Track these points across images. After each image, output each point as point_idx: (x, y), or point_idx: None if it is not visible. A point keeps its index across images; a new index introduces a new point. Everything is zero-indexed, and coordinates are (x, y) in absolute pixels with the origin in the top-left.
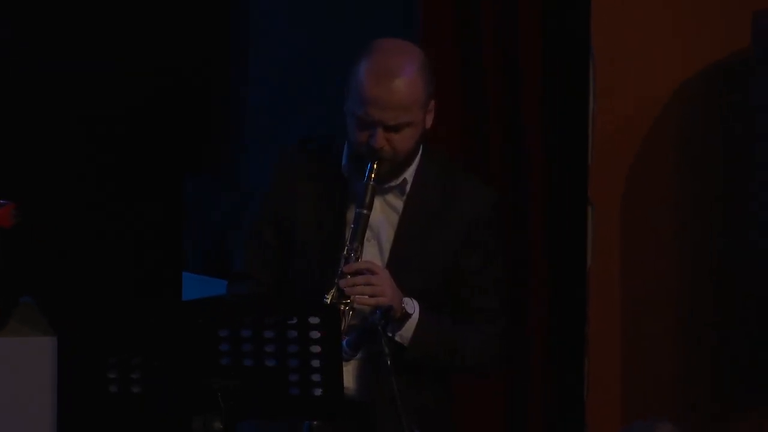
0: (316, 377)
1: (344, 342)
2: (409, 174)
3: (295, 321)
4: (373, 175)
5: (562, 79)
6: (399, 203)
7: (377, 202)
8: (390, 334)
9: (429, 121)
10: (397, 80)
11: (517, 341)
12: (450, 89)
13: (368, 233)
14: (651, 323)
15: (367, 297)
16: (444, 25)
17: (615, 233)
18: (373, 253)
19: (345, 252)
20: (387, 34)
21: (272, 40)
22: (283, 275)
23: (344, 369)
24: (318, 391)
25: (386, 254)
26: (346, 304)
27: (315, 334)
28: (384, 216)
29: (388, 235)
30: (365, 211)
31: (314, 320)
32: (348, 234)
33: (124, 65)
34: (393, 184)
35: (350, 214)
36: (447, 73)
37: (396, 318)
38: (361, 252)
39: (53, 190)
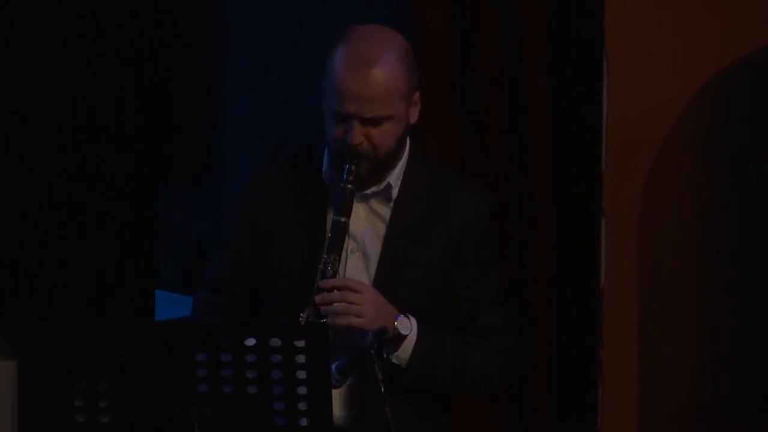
0: (302, 405)
1: (333, 367)
2: (393, 178)
3: (279, 344)
4: (351, 177)
5: (573, 78)
6: (385, 211)
7: (362, 211)
8: (386, 356)
9: (414, 115)
10: (374, 69)
11: (524, 367)
12: (446, 90)
13: (353, 245)
14: (671, 346)
15: (342, 317)
16: (440, 20)
17: (631, 247)
18: (359, 267)
19: (321, 265)
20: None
21: (252, 39)
22: (259, 289)
23: (333, 396)
24: (305, 421)
25: (373, 268)
26: (324, 323)
27: (301, 359)
28: (369, 225)
29: (374, 247)
30: (343, 219)
31: (300, 343)
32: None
33: (93, 65)
34: (376, 189)
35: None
36: (443, 73)
37: (390, 339)
38: (339, 264)
39: (15, 205)
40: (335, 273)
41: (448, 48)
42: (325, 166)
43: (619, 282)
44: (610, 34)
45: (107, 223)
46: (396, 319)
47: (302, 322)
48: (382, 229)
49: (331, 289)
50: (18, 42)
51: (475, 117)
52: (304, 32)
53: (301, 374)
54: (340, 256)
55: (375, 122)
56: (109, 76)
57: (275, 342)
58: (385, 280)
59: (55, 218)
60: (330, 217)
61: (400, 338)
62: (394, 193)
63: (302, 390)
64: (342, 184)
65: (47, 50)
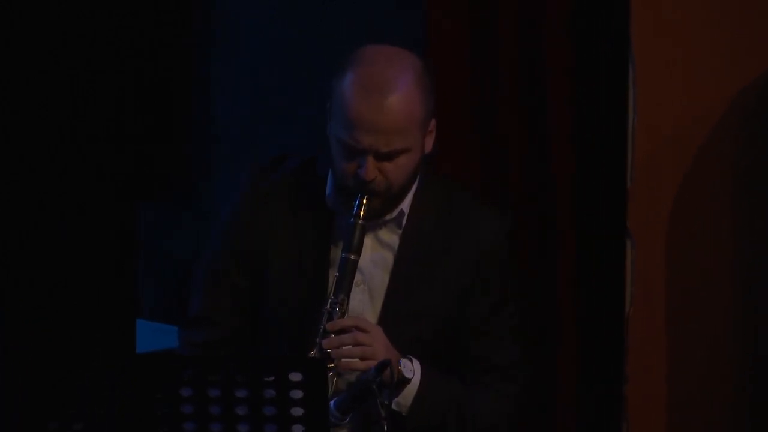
0: None
1: (332, 404)
2: (405, 204)
3: (273, 378)
4: (362, 213)
5: (597, 88)
6: (393, 239)
7: (368, 239)
8: (386, 402)
9: (429, 144)
10: (390, 97)
11: (542, 402)
12: (461, 101)
13: (357, 277)
14: (702, 383)
15: (357, 360)
16: (453, 25)
17: (659, 271)
18: (363, 300)
19: (328, 306)
20: (382, 33)
21: (241, 41)
22: (252, 324)
23: None
24: None
25: (379, 301)
26: (330, 369)
27: (297, 394)
28: (376, 255)
29: (381, 279)
30: (352, 257)
31: (296, 377)
32: (331, 280)
33: (72, 77)
34: (387, 218)
35: (335, 254)
36: (457, 83)
37: (391, 383)
38: (348, 305)
39: None
40: (343, 315)
41: (463, 54)
42: (328, 190)
43: (646, 310)
44: (636, 38)
45: (84, 247)
46: (399, 363)
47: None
48: (389, 258)
49: (338, 331)
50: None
51: (492, 130)
52: (301, 32)
53: (297, 411)
54: (348, 297)
55: (390, 156)
56: (87, 88)
57: (268, 376)
58: (392, 314)
59: (27, 243)
60: (333, 246)
61: (403, 383)
62: (404, 219)
63: (298, 429)
64: (352, 219)
65: (22, 60)
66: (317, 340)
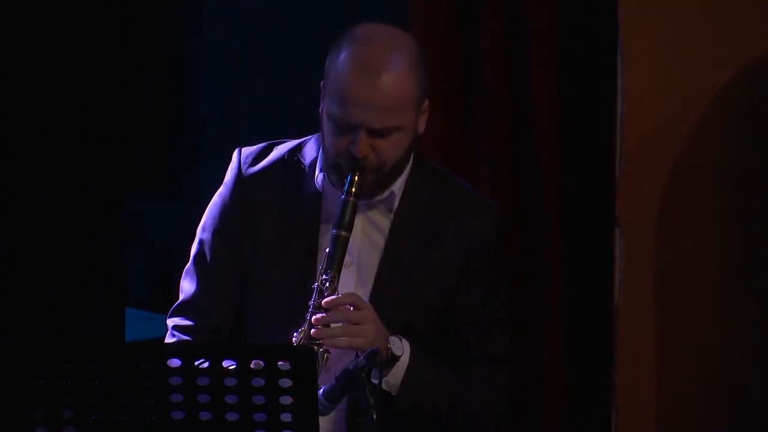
0: None
1: (320, 392)
2: (397, 186)
3: (262, 366)
4: (353, 189)
5: (585, 75)
6: (385, 221)
7: (358, 221)
8: (375, 381)
9: (422, 124)
10: (384, 75)
11: (531, 391)
12: (445, 87)
13: (347, 258)
14: (691, 371)
15: (343, 339)
16: (438, 13)
17: (648, 260)
18: (353, 281)
19: (318, 282)
20: (368, 19)
21: (229, 31)
22: (241, 308)
23: (321, 424)
24: None
25: (369, 284)
26: (319, 345)
27: (286, 383)
28: (366, 237)
29: (371, 261)
30: (343, 233)
31: (285, 365)
32: (322, 260)
33: (56, 62)
34: (378, 198)
35: (325, 236)
36: (442, 68)
37: (381, 361)
38: (338, 282)
39: None
40: (333, 291)
41: (449, 47)
42: (318, 169)
43: (635, 299)
44: (624, 25)
45: (73, 236)
46: (388, 340)
47: (296, 344)
48: (380, 241)
49: (330, 308)
50: None
51: (478, 119)
52: (287, 24)
53: (286, 400)
54: (339, 274)
55: (382, 134)
56: (75, 79)
57: (257, 364)
58: (382, 297)
59: (17, 233)
60: (323, 230)
61: (392, 361)
62: (396, 202)
63: (286, 417)
64: (343, 196)
65: (8, 50)
66: (307, 317)
